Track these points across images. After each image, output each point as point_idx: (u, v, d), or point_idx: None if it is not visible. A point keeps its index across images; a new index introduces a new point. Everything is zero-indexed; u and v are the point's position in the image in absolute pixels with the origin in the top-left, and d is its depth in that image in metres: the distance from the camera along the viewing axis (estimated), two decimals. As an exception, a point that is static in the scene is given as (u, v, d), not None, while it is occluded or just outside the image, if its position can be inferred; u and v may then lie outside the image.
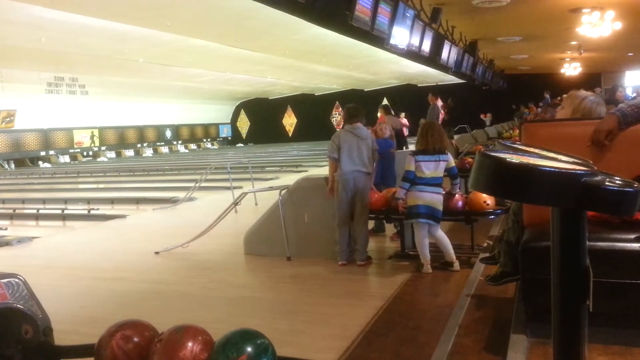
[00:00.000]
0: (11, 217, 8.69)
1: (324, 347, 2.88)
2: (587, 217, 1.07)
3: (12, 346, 1.99)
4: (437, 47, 10.83)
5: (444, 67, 12.61)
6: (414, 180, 4.18)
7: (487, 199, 4.33)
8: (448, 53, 11.81)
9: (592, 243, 1.80)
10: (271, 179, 11.32)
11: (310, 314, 3.43)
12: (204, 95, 25.81)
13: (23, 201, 10.39)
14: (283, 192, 5.01)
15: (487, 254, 3.81)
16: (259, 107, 30.09)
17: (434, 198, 4.18)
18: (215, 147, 30.11)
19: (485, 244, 4.75)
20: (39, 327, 2.11)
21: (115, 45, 12.30)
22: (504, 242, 3.04)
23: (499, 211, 4.39)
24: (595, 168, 1.10)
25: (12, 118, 20.32)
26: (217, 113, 30.35)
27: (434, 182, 4.22)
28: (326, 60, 15.58)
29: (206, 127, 30.26)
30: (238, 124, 31.79)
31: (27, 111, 20.38)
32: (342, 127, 4.82)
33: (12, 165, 20.83)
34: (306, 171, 12.27)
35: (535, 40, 13.97)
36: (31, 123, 20.94)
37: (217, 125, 31.01)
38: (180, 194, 9.24)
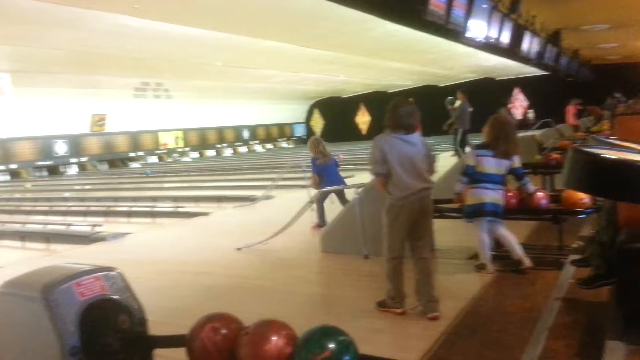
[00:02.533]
0: (106, 214, 9.33)
1: (404, 347, 2.86)
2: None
3: (111, 335, 2.14)
4: (517, 38, 10.41)
5: (524, 59, 12.11)
6: (473, 175, 4.00)
7: (584, 197, 4.08)
8: (529, 44, 11.31)
9: (701, 244, 1.66)
10: (346, 177, 11.34)
11: (388, 313, 3.40)
12: (279, 95, 26.38)
13: (116, 199, 11.12)
14: (359, 190, 5.01)
15: (578, 256, 3.62)
16: (332, 105, 30.34)
17: (496, 195, 4.00)
18: (291, 146, 30.68)
19: (575, 245, 4.49)
20: (135, 317, 2.26)
21: (196, 50, 12.86)
22: (596, 243, 2.88)
23: (589, 210, 4.14)
24: None
25: (103, 122, 21.83)
26: (292, 113, 30.94)
27: (496, 180, 4.01)
28: (399, 56, 15.40)
29: (281, 126, 30.96)
30: (311, 123, 32.21)
31: (116, 115, 21.83)
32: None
33: (106, 166, 22.33)
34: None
35: (625, 27, 13.03)
36: (121, 126, 22.42)
37: (291, 124, 31.61)
38: (259, 192, 9.50)
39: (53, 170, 20.76)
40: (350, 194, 5.21)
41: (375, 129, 29.08)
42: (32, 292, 2.09)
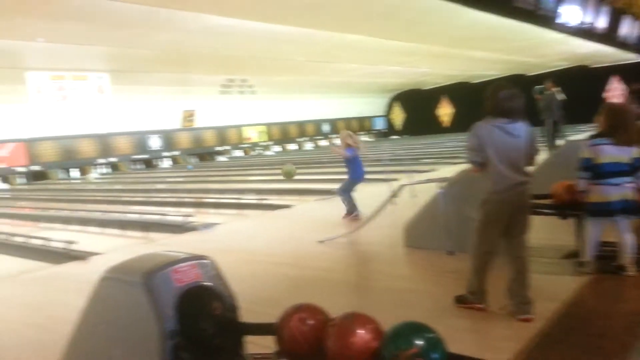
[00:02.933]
0: (196, 205, 9.80)
1: (494, 347, 2.76)
2: None
3: (206, 320, 2.24)
4: (614, 22, 9.67)
5: (622, 45, 11.21)
6: (593, 169, 3.69)
7: None
8: (628, 29, 10.47)
9: None
10: (427, 171, 11.14)
11: (475, 312, 3.29)
12: (358, 89, 26.37)
13: (205, 191, 11.65)
14: (443, 184, 4.89)
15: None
16: (412, 98, 29.84)
17: (622, 190, 3.63)
18: (371, 139, 30.57)
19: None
20: (227, 304, 2.34)
21: (280, 46, 13.14)
22: None
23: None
24: None
25: (192, 117, 22.93)
26: (371, 106, 30.83)
27: (620, 170, 3.63)
28: (484, 45, 14.81)
29: (361, 120, 30.92)
30: (391, 116, 31.87)
31: (204, 111, 22.86)
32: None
33: (196, 159, 23.44)
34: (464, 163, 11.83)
35: None
36: (208, 121, 23.45)
37: (371, 118, 31.49)
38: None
39: (148, 163, 22.16)
40: (431, 188, 5.09)
41: (458, 121, 28.37)
42: (134, 277, 2.23)
